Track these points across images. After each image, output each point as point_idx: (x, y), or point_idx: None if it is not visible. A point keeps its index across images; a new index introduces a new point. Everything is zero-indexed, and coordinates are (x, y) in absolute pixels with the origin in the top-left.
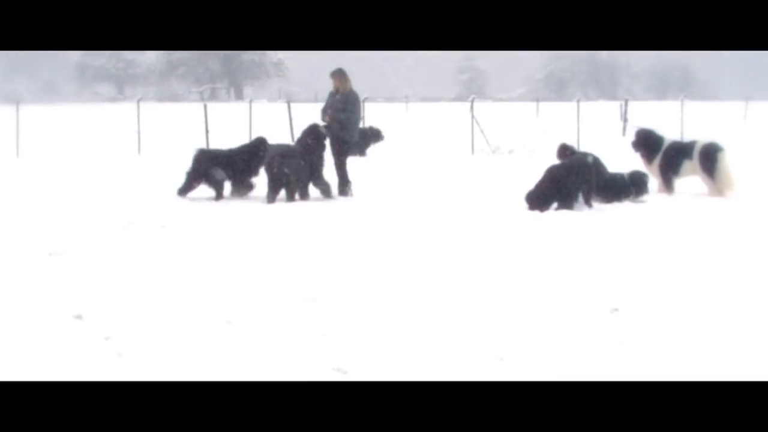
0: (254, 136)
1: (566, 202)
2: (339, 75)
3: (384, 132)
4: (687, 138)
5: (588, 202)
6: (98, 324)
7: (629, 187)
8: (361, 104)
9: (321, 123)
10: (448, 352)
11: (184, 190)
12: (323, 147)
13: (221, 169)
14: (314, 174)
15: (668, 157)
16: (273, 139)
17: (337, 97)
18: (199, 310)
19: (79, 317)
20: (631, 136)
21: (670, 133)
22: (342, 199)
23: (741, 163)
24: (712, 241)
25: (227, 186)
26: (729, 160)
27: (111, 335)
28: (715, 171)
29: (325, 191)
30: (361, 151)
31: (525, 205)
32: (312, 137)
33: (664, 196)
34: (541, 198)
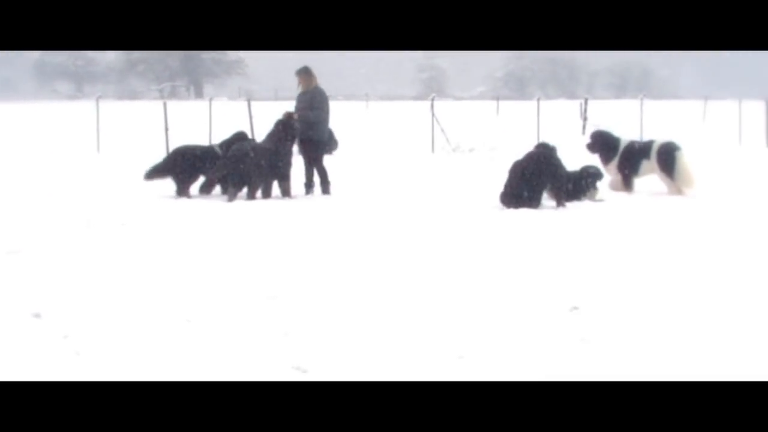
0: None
1: (532, 201)
2: (304, 73)
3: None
4: (645, 137)
5: (559, 201)
6: (57, 322)
7: (590, 184)
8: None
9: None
10: (408, 350)
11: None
12: (292, 145)
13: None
14: (280, 173)
15: (626, 157)
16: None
17: (307, 96)
18: (158, 309)
19: (37, 316)
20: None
21: (627, 133)
22: (303, 197)
23: (700, 162)
24: (672, 239)
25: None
26: (687, 159)
27: (69, 334)
28: (673, 170)
29: (286, 191)
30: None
31: (489, 203)
32: (282, 135)
33: (623, 195)
34: (514, 197)
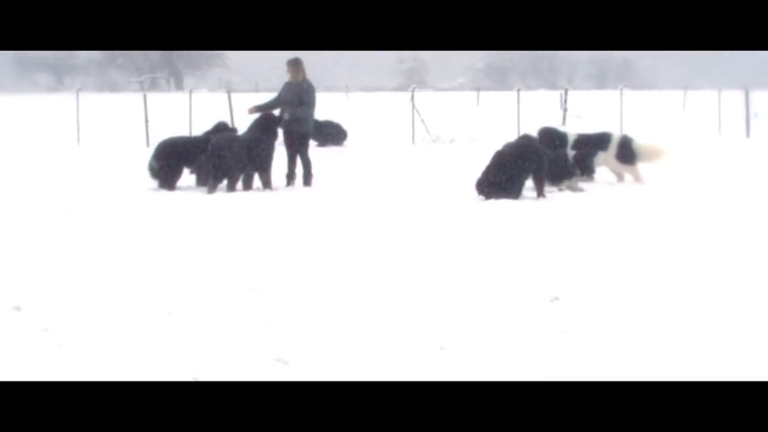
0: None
1: (511, 191)
2: (293, 65)
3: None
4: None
5: (540, 192)
6: (37, 315)
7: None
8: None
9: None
10: (389, 341)
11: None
12: (274, 138)
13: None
14: (261, 165)
15: (579, 149)
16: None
17: (296, 88)
18: (139, 301)
19: (17, 308)
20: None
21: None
22: (284, 189)
23: (680, 152)
24: (653, 229)
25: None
26: (644, 141)
27: (50, 326)
28: (635, 157)
29: (266, 183)
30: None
31: (469, 194)
32: (264, 127)
33: (603, 185)
34: (492, 186)
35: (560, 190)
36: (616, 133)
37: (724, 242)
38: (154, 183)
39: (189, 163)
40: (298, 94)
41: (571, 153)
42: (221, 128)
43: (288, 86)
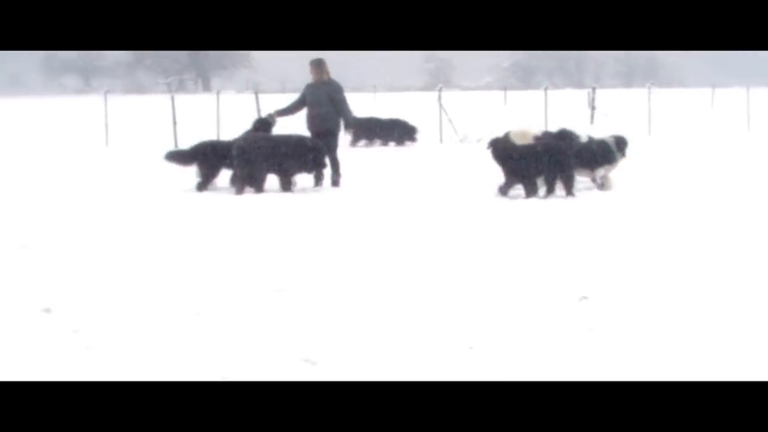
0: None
1: (525, 187)
2: (316, 65)
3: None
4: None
5: (569, 191)
6: (67, 317)
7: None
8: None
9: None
10: (418, 341)
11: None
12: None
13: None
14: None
15: None
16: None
17: (323, 88)
18: (167, 302)
19: (47, 310)
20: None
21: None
22: (311, 190)
23: (708, 151)
24: (683, 228)
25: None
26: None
27: (79, 328)
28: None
29: (285, 185)
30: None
31: (492, 192)
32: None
33: (633, 185)
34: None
35: (595, 182)
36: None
37: (757, 241)
38: (183, 185)
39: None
40: (327, 94)
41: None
42: (261, 126)
43: (312, 87)
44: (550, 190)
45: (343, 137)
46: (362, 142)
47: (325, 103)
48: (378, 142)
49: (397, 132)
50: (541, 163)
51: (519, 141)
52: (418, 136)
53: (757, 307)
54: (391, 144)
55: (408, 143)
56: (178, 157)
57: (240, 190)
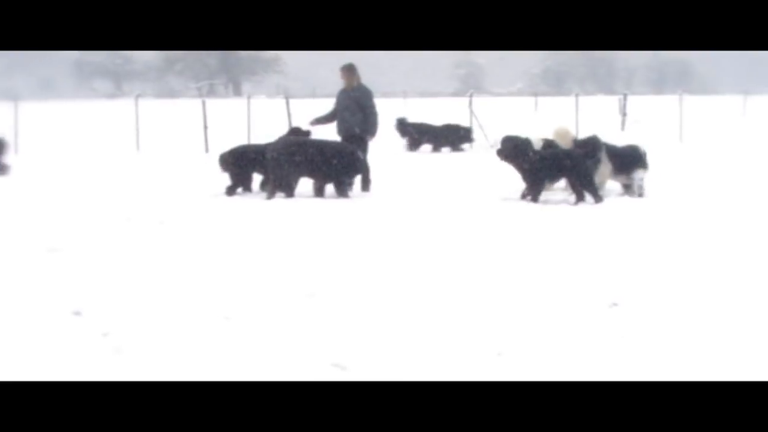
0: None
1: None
2: (346, 70)
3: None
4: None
5: (578, 197)
6: (96, 320)
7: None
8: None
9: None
10: (447, 347)
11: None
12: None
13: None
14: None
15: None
16: (271, 137)
17: (352, 94)
18: (197, 306)
19: (77, 313)
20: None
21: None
22: (340, 196)
23: (740, 159)
24: (715, 235)
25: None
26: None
27: (109, 331)
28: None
29: (319, 190)
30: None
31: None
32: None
33: (663, 191)
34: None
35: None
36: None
37: None
38: (214, 189)
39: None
40: (356, 100)
41: None
42: (296, 133)
43: (343, 93)
44: (580, 198)
45: (399, 142)
46: (422, 147)
47: (352, 109)
48: (431, 147)
49: (451, 137)
50: (555, 168)
51: (559, 140)
52: (474, 136)
53: None
54: (446, 149)
55: (465, 146)
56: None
57: (271, 195)
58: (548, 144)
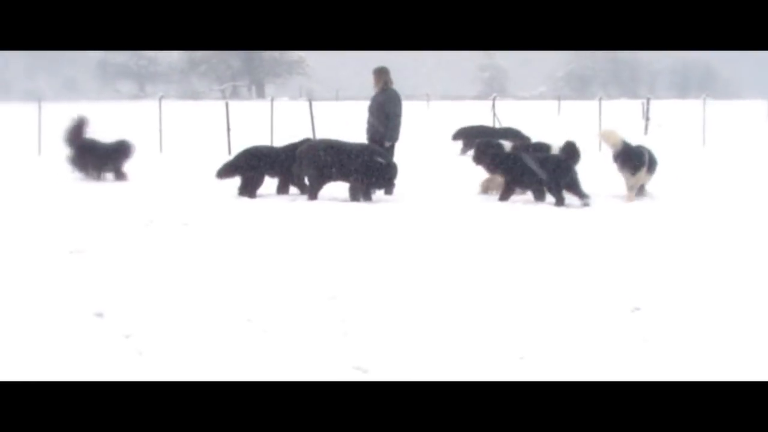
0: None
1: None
2: (375, 73)
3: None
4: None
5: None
6: (119, 322)
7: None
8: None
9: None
10: (469, 350)
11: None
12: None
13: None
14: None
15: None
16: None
17: (378, 98)
18: (219, 309)
19: (99, 315)
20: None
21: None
22: (363, 197)
23: (763, 164)
24: (733, 239)
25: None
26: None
27: (131, 333)
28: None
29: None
30: None
31: (548, 203)
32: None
33: (684, 195)
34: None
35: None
36: (556, 144)
37: None
38: (233, 190)
39: (272, 171)
40: (381, 103)
41: None
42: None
43: (373, 96)
44: (540, 198)
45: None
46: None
47: (376, 113)
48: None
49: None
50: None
51: (606, 141)
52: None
53: None
54: None
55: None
56: (226, 171)
57: (313, 196)
58: (525, 147)
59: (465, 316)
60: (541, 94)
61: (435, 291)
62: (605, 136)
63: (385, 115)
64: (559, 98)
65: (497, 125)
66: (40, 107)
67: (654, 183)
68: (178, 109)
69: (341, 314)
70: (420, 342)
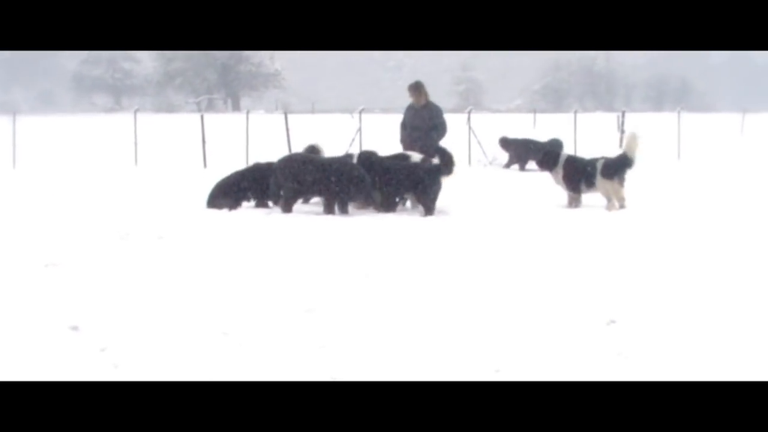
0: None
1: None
2: (413, 89)
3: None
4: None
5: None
6: (94, 335)
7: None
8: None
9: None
10: (445, 363)
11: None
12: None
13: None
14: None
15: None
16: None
17: (422, 112)
18: (195, 322)
19: (75, 328)
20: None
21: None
22: (339, 212)
23: (738, 176)
24: (708, 253)
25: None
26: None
27: (107, 346)
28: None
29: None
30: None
31: (525, 216)
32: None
33: (669, 206)
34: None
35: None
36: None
37: None
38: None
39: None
40: (426, 118)
41: None
42: (311, 151)
43: (413, 110)
44: (428, 212)
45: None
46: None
47: (424, 127)
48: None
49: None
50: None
51: (630, 144)
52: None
53: None
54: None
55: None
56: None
57: (286, 209)
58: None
59: (441, 329)
60: (517, 107)
61: (410, 303)
62: (630, 140)
63: (433, 126)
64: (534, 111)
65: (473, 138)
66: (14, 120)
67: (629, 196)
68: (153, 122)
69: (318, 327)
70: (396, 354)
